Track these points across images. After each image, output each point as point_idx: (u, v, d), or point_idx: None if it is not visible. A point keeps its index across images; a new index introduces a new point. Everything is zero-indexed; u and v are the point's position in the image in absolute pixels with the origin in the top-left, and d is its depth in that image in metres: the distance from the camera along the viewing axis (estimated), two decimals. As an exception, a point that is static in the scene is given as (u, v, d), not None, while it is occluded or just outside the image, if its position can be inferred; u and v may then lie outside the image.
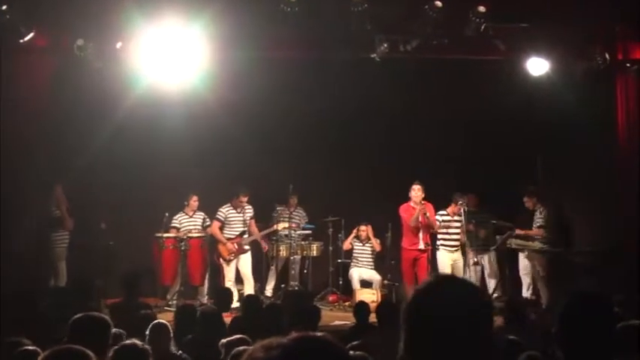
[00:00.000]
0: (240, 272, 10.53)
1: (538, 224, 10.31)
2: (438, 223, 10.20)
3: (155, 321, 5.39)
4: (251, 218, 10.68)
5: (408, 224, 10.13)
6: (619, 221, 9.67)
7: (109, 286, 9.55)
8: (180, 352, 5.39)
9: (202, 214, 10.72)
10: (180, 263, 10.22)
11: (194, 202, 10.64)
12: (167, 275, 10.29)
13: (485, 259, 10.83)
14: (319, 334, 1.72)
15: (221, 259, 10.48)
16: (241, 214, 10.55)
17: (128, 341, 4.13)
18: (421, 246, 10.14)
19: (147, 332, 5.21)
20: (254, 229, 10.72)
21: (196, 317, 6.88)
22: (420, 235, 10.10)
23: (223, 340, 5.10)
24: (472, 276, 10.07)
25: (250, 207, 10.62)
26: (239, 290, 10.25)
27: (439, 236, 10.34)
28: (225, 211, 10.52)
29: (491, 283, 10.73)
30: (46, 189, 9.46)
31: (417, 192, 10.03)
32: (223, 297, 8.24)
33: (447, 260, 10.25)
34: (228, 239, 10.45)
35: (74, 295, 7.43)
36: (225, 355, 4.79)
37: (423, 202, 10.03)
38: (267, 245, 10.81)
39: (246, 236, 10.57)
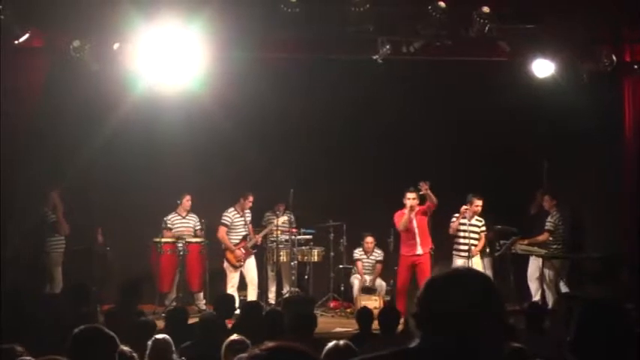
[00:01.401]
0: (245, 277, 10.35)
1: (547, 227, 10.11)
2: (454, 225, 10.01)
3: (156, 336, 5.17)
4: (250, 222, 10.52)
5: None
6: (626, 226, 9.52)
7: (105, 292, 9.44)
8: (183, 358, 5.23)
9: (195, 216, 10.53)
10: (178, 269, 10.03)
11: (187, 201, 10.43)
12: (165, 281, 10.10)
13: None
14: (294, 344, 1.79)
15: (227, 265, 10.27)
16: (242, 218, 10.39)
17: None
18: (419, 251, 9.79)
19: (148, 343, 5.02)
20: (251, 232, 10.55)
21: (188, 321, 6.86)
22: (418, 239, 9.79)
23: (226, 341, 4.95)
24: None
25: (249, 210, 10.46)
26: (242, 296, 10.07)
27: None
28: (231, 215, 10.33)
29: None
30: (41, 193, 9.31)
31: (411, 200, 9.77)
32: (226, 303, 8.02)
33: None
34: (234, 244, 10.26)
35: (70, 301, 7.27)
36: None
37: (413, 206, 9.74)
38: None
39: (248, 239, 10.40)
